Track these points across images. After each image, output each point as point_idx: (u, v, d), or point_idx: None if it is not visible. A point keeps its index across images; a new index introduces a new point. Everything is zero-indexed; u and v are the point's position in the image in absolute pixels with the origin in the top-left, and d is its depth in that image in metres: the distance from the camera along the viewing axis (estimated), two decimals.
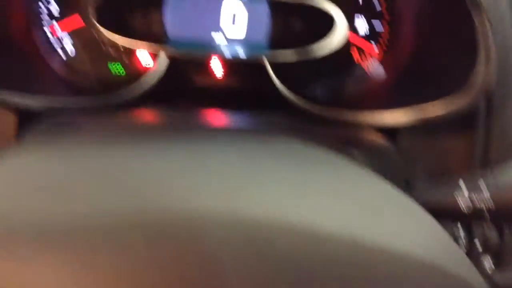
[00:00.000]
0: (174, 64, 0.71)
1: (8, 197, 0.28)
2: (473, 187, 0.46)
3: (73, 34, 0.76)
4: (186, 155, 0.34)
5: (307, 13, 0.71)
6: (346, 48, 0.75)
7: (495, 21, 0.56)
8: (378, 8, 0.75)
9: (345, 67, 0.77)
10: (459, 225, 0.52)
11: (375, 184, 0.36)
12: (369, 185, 0.35)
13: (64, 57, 0.76)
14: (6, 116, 0.63)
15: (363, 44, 0.77)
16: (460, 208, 0.49)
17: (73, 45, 0.76)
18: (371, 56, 0.77)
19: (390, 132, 0.65)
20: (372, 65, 0.77)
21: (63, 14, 0.75)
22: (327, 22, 0.71)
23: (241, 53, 0.72)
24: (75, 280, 0.24)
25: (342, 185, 0.34)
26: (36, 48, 0.75)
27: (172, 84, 0.71)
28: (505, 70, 0.59)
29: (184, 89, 0.75)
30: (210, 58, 0.73)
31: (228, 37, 0.73)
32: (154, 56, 0.74)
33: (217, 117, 0.66)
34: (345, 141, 0.63)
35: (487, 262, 0.52)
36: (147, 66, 0.75)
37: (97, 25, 0.70)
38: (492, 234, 0.51)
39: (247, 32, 0.73)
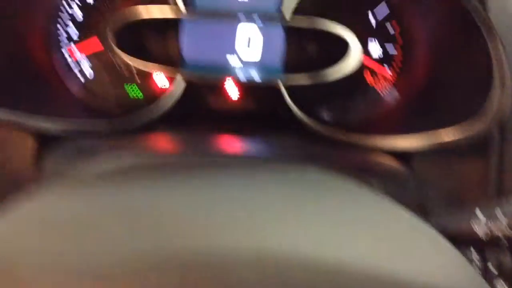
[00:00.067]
0: (191, 86, 0.72)
1: (40, 238, 0.29)
2: (489, 215, 0.46)
3: (91, 57, 0.77)
4: (208, 191, 0.35)
5: (322, 37, 0.72)
6: (360, 71, 0.76)
7: (510, 46, 0.57)
8: (392, 32, 0.76)
9: (359, 90, 0.78)
10: (471, 248, 0.52)
11: (399, 217, 0.36)
12: (392, 217, 0.36)
13: (82, 80, 0.78)
14: (25, 140, 0.64)
15: (377, 67, 0.77)
16: (476, 235, 0.49)
17: (91, 67, 0.77)
18: (384, 79, 0.78)
19: (404, 156, 0.65)
20: (386, 88, 0.78)
21: (82, 37, 0.76)
22: (341, 46, 0.72)
23: (256, 76, 0.73)
24: None
25: (365, 218, 0.35)
26: (55, 71, 0.76)
27: (188, 107, 0.72)
28: None
29: (200, 111, 0.76)
30: (225, 81, 0.74)
31: (243, 60, 0.74)
32: (170, 78, 0.75)
33: (233, 143, 0.66)
34: (361, 166, 0.63)
35: (501, 286, 0.52)
36: (164, 88, 0.76)
37: (116, 48, 0.71)
38: (507, 259, 0.51)
39: (262, 56, 0.74)
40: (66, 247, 0.28)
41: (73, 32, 0.76)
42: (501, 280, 0.52)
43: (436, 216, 0.55)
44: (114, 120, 0.68)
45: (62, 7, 0.75)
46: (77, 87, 0.77)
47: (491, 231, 0.45)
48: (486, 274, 0.53)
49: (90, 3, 0.75)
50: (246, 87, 0.75)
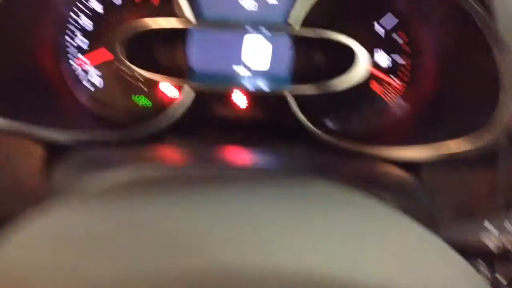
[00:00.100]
0: (199, 96, 0.72)
1: (53, 253, 0.29)
2: (499, 227, 0.46)
3: (99, 67, 0.78)
4: (221, 207, 0.35)
5: (329, 47, 0.72)
6: (367, 81, 0.76)
7: None
8: (400, 42, 0.76)
9: (367, 100, 0.78)
10: (480, 260, 0.52)
11: (407, 229, 0.36)
12: (401, 229, 0.36)
13: (91, 90, 0.78)
14: (34, 150, 0.64)
15: (384, 77, 0.77)
16: (485, 247, 0.49)
17: (100, 77, 0.78)
18: (392, 89, 0.78)
19: (413, 166, 0.65)
20: (394, 98, 0.78)
21: (90, 47, 0.77)
22: (349, 56, 0.72)
23: (264, 86, 0.73)
24: None
25: (374, 231, 0.35)
26: (63, 81, 0.76)
27: (197, 116, 0.73)
28: None
29: (208, 120, 0.76)
30: (233, 91, 0.75)
31: (251, 70, 0.74)
32: (179, 87, 0.75)
33: (241, 153, 0.67)
34: (369, 177, 0.63)
35: None
36: (173, 97, 0.76)
37: (124, 59, 0.72)
38: None
39: (270, 66, 0.74)
40: (80, 263, 0.28)
41: (82, 42, 0.77)
42: None
43: (445, 227, 0.55)
44: (123, 130, 0.69)
45: (70, 18, 0.76)
46: (86, 97, 0.77)
47: (503, 244, 0.45)
48: (496, 284, 0.53)
49: (99, 14, 0.76)
50: (254, 97, 0.76)
